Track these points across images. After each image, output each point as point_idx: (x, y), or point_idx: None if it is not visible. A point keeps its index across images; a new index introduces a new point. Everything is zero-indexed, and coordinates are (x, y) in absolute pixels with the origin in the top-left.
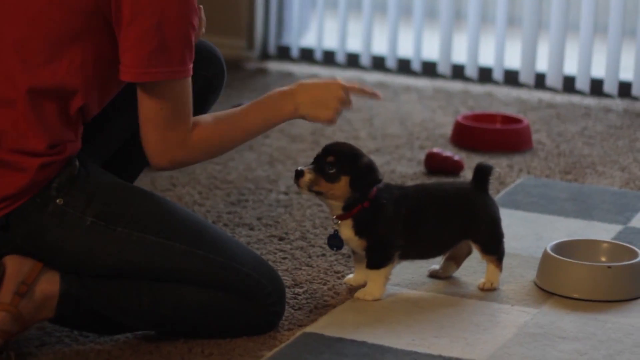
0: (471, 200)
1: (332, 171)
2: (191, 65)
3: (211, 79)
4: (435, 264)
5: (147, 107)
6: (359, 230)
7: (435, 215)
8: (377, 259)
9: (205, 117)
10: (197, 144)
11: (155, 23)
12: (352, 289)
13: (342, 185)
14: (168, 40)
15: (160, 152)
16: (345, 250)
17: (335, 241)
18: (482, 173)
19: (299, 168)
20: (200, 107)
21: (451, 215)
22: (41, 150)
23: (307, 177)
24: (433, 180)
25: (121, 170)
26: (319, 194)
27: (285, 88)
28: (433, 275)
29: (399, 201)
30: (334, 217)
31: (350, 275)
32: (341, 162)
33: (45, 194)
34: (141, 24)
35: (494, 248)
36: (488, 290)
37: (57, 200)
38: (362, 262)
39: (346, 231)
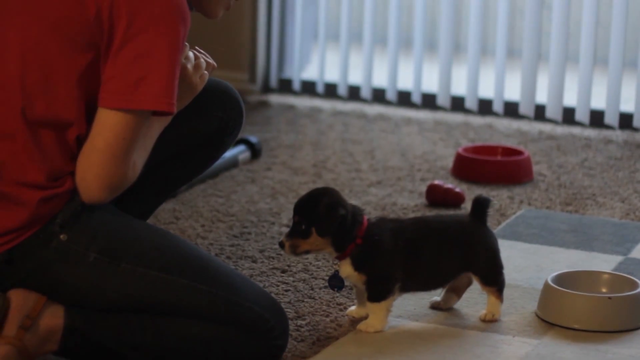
0: (469, 232)
1: (302, 229)
2: (174, 102)
3: (227, 120)
4: (437, 295)
5: (111, 133)
6: (357, 266)
7: (433, 247)
8: (378, 292)
9: None
10: (134, 178)
11: (146, 51)
12: (355, 321)
13: (317, 237)
14: (158, 71)
15: (105, 184)
16: (346, 282)
17: (335, 281)
18: (481, 206)
19: (280, 239)
20: (216, 149)
21: (450, 247)
22: (41, 182)
23: (287, 245)
24: (434, 212)
25: (143, 202)
26: (307, 252)
27: None
28: (434, 307)
29: (395, 234)
30: (334, 257)
31: (353, 308)
32: (304, 217)
33: (48, 230)
34: (132, 51)
35: (493, 279)
36: (489, 322)
37: (61, 237)
38: (363, 294)
39: (346, 269)
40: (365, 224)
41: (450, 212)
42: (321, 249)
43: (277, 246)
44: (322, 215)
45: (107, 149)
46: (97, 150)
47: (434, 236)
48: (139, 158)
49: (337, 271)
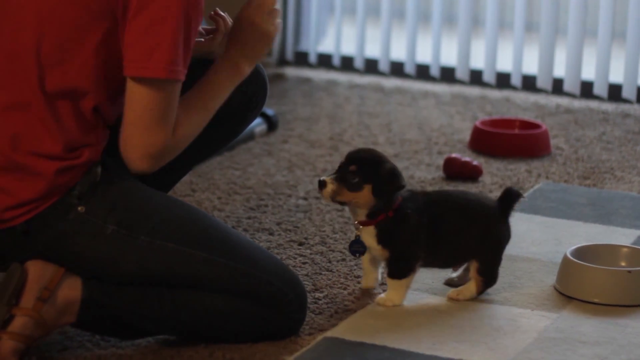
0: (488, 218)
1: (354, 180)
2: (181, 69)
3: (251, 96)
4: (451, 272)
5: (138, 105)
6: (382, 240)
7: (454, 225)
8: (400, 269)
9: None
10: (179, 144)
11: (160, 18)
12: (372, 294)
13: (366, 194)
14: (171, 38)
15: (143, 154)
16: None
17: (358, 247)
18: (510, 198)
19: (322, 178)
20: (238, 124)
21: (467, 227)
22: (58, 153)
23: (330, 187)
24: (452, 185)
25: (162, 176)
26: (343, 203)
27: (222, 56)
28: (449, 283)
29: (422, 209)
30: (356, 222)
31: (382, 295)
32: (363, 170)
33: (66, 201)
34: (146, 18)
35: (487, 270)
36: (453, 299)
37: (79, 208)
38: (375, 265)
39: (368, 239)
40: (400, 198)
41: (469, 185)
42: (357, 207)
43: (293, 218)
44: (384, 178)
45: (139, 122)
46: (129, 123)
47: (456, 214)
48: (191, 121)
49: (358, 236)
